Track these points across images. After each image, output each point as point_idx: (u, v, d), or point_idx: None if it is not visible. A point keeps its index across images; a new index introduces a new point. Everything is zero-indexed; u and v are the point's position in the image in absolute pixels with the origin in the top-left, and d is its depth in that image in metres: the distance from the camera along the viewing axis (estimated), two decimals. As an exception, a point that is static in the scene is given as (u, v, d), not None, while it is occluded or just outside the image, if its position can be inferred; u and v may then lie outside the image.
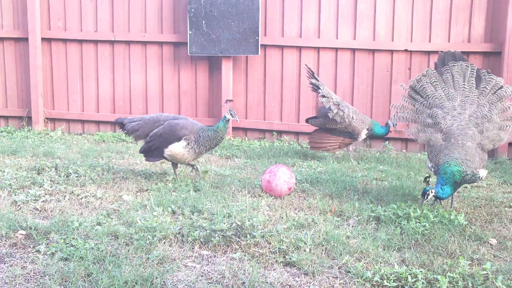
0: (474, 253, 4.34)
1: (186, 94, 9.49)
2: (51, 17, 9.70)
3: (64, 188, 5.84)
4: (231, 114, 6.08)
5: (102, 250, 4.15)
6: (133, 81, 9.61)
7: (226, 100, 6.21)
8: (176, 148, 6.06)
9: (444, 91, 5.36)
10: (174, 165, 6.38)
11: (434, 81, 5.45)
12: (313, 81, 7.80)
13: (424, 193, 5.01)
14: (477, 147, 5.10)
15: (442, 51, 5.63)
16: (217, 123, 6.09)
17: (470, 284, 3.76)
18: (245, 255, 4.19)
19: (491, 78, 5.33)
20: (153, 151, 6.24)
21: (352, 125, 7.68)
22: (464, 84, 5.30)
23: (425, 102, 5.43)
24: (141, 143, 6.48)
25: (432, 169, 5.28)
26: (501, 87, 5.27)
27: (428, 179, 5.32)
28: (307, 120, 8.16)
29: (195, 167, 6.49)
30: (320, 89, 7.74)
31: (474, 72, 5.39)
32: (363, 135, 7.81)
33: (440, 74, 5.47)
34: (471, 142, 4.91)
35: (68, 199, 5.52)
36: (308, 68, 7.87)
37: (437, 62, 5.60)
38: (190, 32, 9.01)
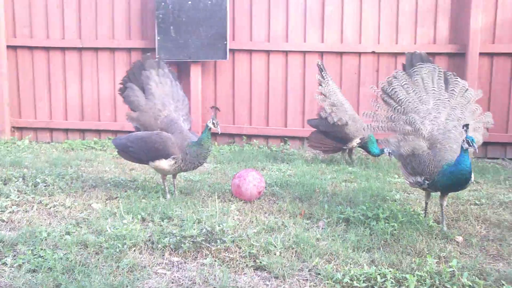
0: (441, 251, 4.41)
1: (155, 100, 9.44)
2: (16, 25, 9.58)
3: (32, 198, 5.78)
4: (213, 124, 5.67)
5: (71, 260, 4.11)
6: (101, 88, 9.54)
7: (212, 107, 5.99)
8: (163, 165, 5.73)
9: (416, 94, 5.19)
10: (163, 176, 6.03)
11: (405, 83, 5.27)
12: (318, 76, 7.85)
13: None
14: (458, 149, 4.87)
15: (409, 52, 5.53)
16: (201, 135, 5.72)
17: (437, 282, 3.82)
18: (215, 261, 4.20)
19: (457, 80, 5.34)
20: (130, 152, 5.91)
21: (344, 131, 7.69)
22: (434, 87, 5.18)
23: (399, 108, 5.18)
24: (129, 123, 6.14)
25: (418, 183, 4.97)
26: (467, 89, 5.31)
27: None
28: (308, 121, 8.22)
29: (175, 185, 6.09)
30: (321, 86, 7.77)
31: (441, 74, 5.31)
32: (354, 143, 7.79)
33: (410, 76, 5.32)
34: (456, 145, 4.86)
35: (36, 209, 5.46)
36: (318, 64, 7.92)
37: (405, 63, 5.50)
38: (159, 38, 8.99)
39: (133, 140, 5.88)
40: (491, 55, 8.52)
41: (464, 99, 5.20)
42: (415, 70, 5.31)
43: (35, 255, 4.22)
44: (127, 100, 6.14)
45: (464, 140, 4.51)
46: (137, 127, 6.19)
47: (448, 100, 5.15)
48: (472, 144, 4.47)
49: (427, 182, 4.83)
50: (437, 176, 4.73)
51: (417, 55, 5.43)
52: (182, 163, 5.71)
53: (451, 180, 4.65)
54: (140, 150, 5.82)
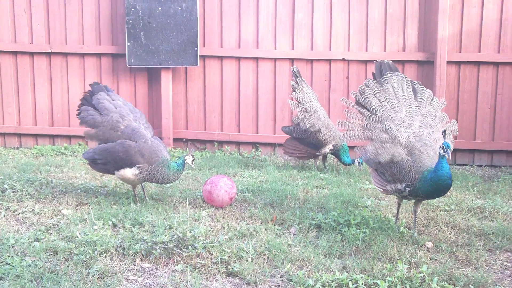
0: (412, 257, 4.46)
1: (126, 105, 9.37)
2: (-17, 29, 9.44)
3: None
4: (192, 161, 5.80)
5: (40, 267, 4.06)
6: (71, 94, 9.44)
7: (197, 148, 5.97)
8: (127, 174, 5.73)
9: (389, 102, 5.21)
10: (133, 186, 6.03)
11: (377, 92, 5.28)
12: (292, 82, 7.89)
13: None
14: (435, 156, 4.93)
15: (377, 61, 5.55)
16: (175, 162, 5.75)
17: (408, 287, 3.86)
18: (187, 267, 4.18)
19: (423, 89, 5.41)
20: (99, 164, 5.93)
21: (317, 137, 7.73)
22: (404, 95, 5.23)
23: (373, 116, 5.18)
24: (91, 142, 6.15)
25: (398, 191, 4.96)
26: (433, 98, 5.37)
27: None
28: (282, 128, 8.26)
29: (145, 192, 6.08)
30: (295, 91, 7.80)
31: (409, 83, 5.38)
32: (327, 149, 7.82)
33: (381, 85, 5.34)
34: (433, 152, 4.89)
35: (4, 216, 5.37)
36: (293, 70, 7.96)
37: (374, 72, 5.51)
38: (129, 44, 8.94)
39: (99, 152, 5.86)
40: (458, 63, 8.66)
41: (432, 107, 5.27)
42: (385, 79, 5.34)
43: (2, 262, 4.16)
44: (84, 121, 6.03)
45: (440, 146, 4.57)
46: (100, 144, 6.08)
47: (419, 108, 5.20)
48: (446, 150, 4.53)
49: (408, 189, 4.84)
50: (419, 182, 4.74)
51: (386, 64, 5.47)
52: (148, 176, 5.69)
53: (432, 187, 4.66)
54: (107, 161, 5.80)
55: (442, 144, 4.56)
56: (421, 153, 4.85)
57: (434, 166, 4.65)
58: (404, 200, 5.23)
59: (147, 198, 5.97)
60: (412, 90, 5.34)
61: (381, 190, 5.15)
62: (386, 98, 5.23)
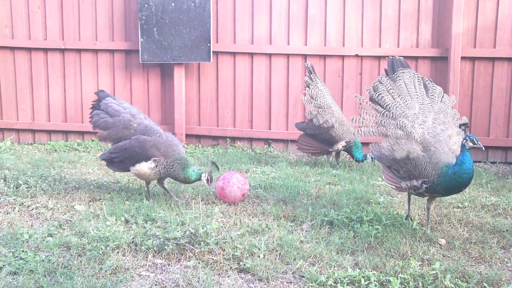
0: (424, 253, 4.45)
1: (139, 101, 9.41)
2: (-2, 25, 9.50)
3: (14, 199, 5.73)
4: (207, 179, 5.69)
5: (54, 262, 4.08)
6: (84, 90, 9.48)
7: (212, 162, 5.94)
8: (143, 168, 5.73)
9: (402, 99, 5.20)
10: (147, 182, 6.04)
11: (390, 88, 5.27)
12: (306, 78, 7.90)
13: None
14: (449, 152, 4.93)
15: (389, 57, 5.54)
16: (193, 170, 5.72)
17: (420, 284, 3.85)
18: (199, 263, 4.19)
19: (434, 86, 5.38)
20: (116, 163, 5.95)
21: (330, 133, 7.72)
22: (417, 92, 5.23)
23: (387, 113, 5.17)
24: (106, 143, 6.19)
25: (414, 187, 4.92)
26: (444, 95, 5.35)
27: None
28: (295, 125, 8.27)
29: (167, 192, 6.03)
30: (308, 87, 7.81)
31: (420, 80, 5.37)
32: (339, 146, 7.80)
33: (394, 81, 5.32)
34: (447, 148, 4.87)
35: (18, 211, 5.41)
36: (307, 66, 7.96)
37: (387, 68, 5.51)
38: (142, 40, 8.96)
39: (115, 150, 5.89)
40: (472, 59, 8.58)
41: (443, 104, 5.24)
42: (397, 75, 5.32)
43: (16, 257, 4.19)
44: (96, 124, 6.07)
45: (466, 139, 4.54)
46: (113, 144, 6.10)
47: (431, 105, 5.18)
48: (477, 142, 4.51)
49: (424, 185, 4.81)
50: (438, 178, 4.71)
51: (398, 61, 5.46)
52: (164, 170, 5.70)
53: (455, 181, 4.63)
54: (124, 158, 5.82)
55: (469, 136, 4.55)
56: (436, 149, 4.83)
57: (457, 160, 4.62)
58: (417, 196, 5.20)
59: (173, 195, 5.94)
60: (424, 87, 5.32)
61: (394, 187, 5.12)
62: (399, 95, 5.21)
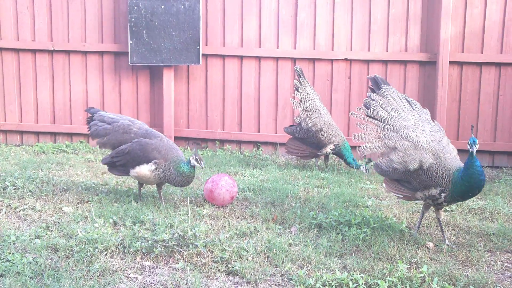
0: (412, 257, 4.47)
1: (128, 104, 9.40)
2: (-14, 26, 9.45)
3: (0, 201, 5.70)
4: (196, 160, 5.56)
5: (41, 264, 4.06)
6: (73, 91, 9.45)
7: (193, 143, 5.85)
8: (143, 170, 5.70)
9: (396, 112, 5.16)
10: (140, 184, 6.04)
11: (382, 103, 5.23)
12: (295, 81, 7.92)
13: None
14: (456, 157, 4.96)
15: (371, 76, 5.49)
16: (183, 163, 5.62)
17: (408, 287, 3.87)
18: (187, 265, 4.19)
19: (413, 100, 5.39)
20: (117, 166, 5.93)
21: (318, 136, 7.75)
22: (404, 105, 5.22)
23: (387, 126, 5.11)
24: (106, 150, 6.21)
25: (431, 197, 4.85)
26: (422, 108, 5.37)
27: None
28: (284, 129, 8.29)
29: (161, 199, 5.94)
30: (297, 91, 7.82)
31: (400, 94, 5.35)
32: (328, 149, 7.83)
33: (383, 97, 5.28)
34: (451, 155, 4.88)
35: (5, 213, 5.38)
36: (297, 70, 7.98)
37: (372, 86, 5.44)
38: (131, 42, 8.95)
39: (116, 154, 5.87)
40: (460, 64, 8.64)
41: (426, 115, 5.25)
42: (383, 91, 5.28)
43: (2, 259, 4.16)
44: (95, 133, 6.06)
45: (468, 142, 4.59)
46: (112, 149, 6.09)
47: (419, 116, 5.17)
48: (472, 146, 4.54)
49: (443, 194, 4.74)
50: (452, 185, 4.67)
51: (379, 78, 5.44)
52: (163, 173, 5.66)
53: (466, 186, 4.60)
54: (126, 161, 5.81)
55: (469, 140, 4.58)
56: (445, 155, 4.82)
57: (464, 164, 4.62)
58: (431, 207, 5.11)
59: (163, 204, 5.88)
60: (406, 101, 5.31)
61: (402, 196, 5.06)
62: (392, 108, 5.19)
